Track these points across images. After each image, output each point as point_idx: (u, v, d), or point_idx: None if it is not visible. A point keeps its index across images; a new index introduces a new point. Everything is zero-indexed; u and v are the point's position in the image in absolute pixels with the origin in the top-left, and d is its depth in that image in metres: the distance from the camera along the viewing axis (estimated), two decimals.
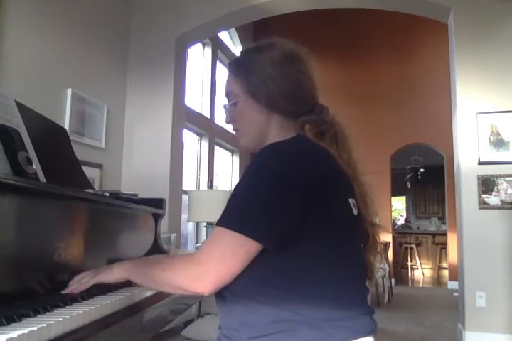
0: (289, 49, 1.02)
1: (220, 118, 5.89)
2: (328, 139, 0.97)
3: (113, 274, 1.03)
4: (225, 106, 1.07)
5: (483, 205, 3.40)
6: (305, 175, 0.86)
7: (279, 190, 0.84)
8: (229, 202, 0.88)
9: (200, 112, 5.44)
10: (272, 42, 1.04)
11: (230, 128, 1.02)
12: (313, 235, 0.87)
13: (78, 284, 1.04)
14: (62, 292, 1.02)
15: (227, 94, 1.06)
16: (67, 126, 2.91)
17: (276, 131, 1.01)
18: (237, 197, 0.88)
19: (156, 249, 1.69)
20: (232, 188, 0.89)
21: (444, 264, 8.39)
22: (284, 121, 1.01)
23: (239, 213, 0.86)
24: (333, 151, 0.95)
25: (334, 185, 0.91)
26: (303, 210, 0.85)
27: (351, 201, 0.94)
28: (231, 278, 0.85)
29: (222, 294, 0.90)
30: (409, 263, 8.87)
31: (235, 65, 1.06)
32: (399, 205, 12.42)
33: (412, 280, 8.29)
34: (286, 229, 0.84)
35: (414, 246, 8.88)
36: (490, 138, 3.44)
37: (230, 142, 6.29)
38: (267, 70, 0.99)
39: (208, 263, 0.84)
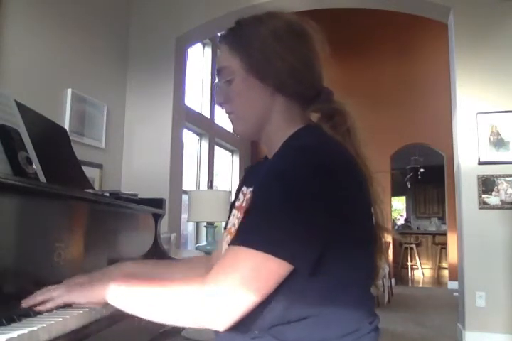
0: (293, 21, 0.89)
1: (220, 118, 5.89)
2: (341, 133, 0.85)
3: (91, 296, 0.81)
4: (217, 84, 0.91)
5: (483, 205, 3.40)
6: (340, 187, 0.74)
7: (311, 204, 0.71)
8: (250, 218, 0.74)
9: (200, 112, 5.44)
10: (273, 13, 0.90)
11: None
12: (341, 254, 0.76)
13: (43, 297, 0.84)
14: (23, 304, 0.84)
15: (220, 71, 0.90)
16: (67, 126, 2.91)
17: (280, 116, 0.88)
18: (260, 211, 0.73)
19: (156, 249, 1.69)
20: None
21: (444, 264, 8.39)
22: (289, 105, 0.88)
23: (267, 231, 0.70)
24: (348, 147, 0.84)
25: (363, 194, 0.81)
26: (336, 228, 0.73)
27: (372, 210, 0.85)
28: (253, 308, 0.70)
29: None
30: (409, 263, 8.87)
31: (231, 36, 0.90)
32: (399, 205, 12.42)
33: (412, 280, 8.29)
34: (319, 250, 0.72)
35: (414, 246, 8.88)
36: (490, 138, 3.44)
37: (230, 142, 6.29)
38: (272, 44, 0.85)
39: (228, 292, 0.68)
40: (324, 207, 0.72)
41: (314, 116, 0.90)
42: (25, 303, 0.84)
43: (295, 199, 0.71)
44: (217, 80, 0.91)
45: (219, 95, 0.91)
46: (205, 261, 1.10)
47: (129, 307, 0.78)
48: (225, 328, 0.70)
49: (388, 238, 0.91)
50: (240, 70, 0.87)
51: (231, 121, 0.92)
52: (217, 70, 0.91)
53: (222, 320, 0.69)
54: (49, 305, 0.83)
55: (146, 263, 1.17)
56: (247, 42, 0.86)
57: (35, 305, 0.84)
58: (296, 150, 0.77)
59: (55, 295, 0.84)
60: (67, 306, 0.85)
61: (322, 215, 0.72)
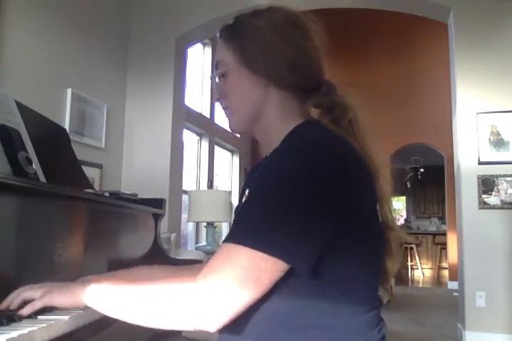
0: (293, 14, 0.87)
1: (220, 118, 5.89)
2: (343, 126, 0.81)
3: (72, 298, 0.77)
4: (211, 78, 0.90)
5: (483, 205, 3.40)
6: (344, 184, 0.71)
7: (312, 203, 0.68)
8: (245, 215, 0.71)
9: (200, 112, 5.44)
10: (273, 7, 0.88)
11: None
12: (345, 256, 0.72)
13: (19, 299, 0.80)
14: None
15: (217, 65, 0.88)
16: (67, 126, 2.91)
17: (275, 111, 0.84)
18: (257, 208, 0.69)
19: (156, 249, 1.69)
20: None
21: (444, 264, 8.39)
22: (284, 99, 0.85)
23: (263, 229, 0.67)
24: (352, 140, 0.79)
25: (369, 191, 0.76)
26: (339, 228, 0.70)
27: (377, 207, 0.79)
28: (245, 308, 0.67)
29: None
30: (409, 263, 8.87)
31: (227, 29, 0.88)
32: (399, 205, 12.40)
33: (412, 280, 8.29)
34: (319, 250, 0.69)
35: (414, 246, 8.88)
36: (490, 138, 3.44)
37: (230, 142, 6.29)
38: (267, 35, 0.83)
39: (220, 291, 0.65)
40: (326, 206, 0.68)
41: (315, 112, 0.86)
42: (2, 306, 0.80)
43: (294, 197, 0.68)
44: (212, 76, 0.90)
45: (216, 91, 0.89)
46: None
47: (108, 309, 0.74)
48: (217, 328, 0.67)
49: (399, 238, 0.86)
50: (233, 63, 0.85)
51: (227, 117, 0.90)
52: (214, 65, 0.90)
53: (213, 320, 0.66)
54: (26, 311, 0.77)
55: (130, 274, 1.01)
56: (241, 34, 0.85)
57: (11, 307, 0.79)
58: (296, 146, 0.73)
59: (32, 295, 0.80)
60: (47, 310, 0.80)
61: (324, 214, 0.68)
